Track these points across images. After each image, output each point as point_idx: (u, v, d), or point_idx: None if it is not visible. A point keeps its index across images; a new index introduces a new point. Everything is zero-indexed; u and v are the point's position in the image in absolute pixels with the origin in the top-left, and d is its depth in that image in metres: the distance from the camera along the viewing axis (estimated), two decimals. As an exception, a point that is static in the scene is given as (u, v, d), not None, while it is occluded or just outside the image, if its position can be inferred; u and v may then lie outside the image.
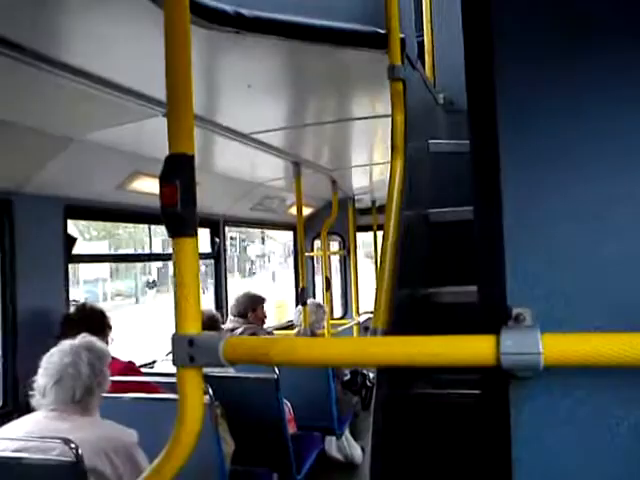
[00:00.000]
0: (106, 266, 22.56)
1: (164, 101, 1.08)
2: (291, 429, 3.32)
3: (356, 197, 6.07)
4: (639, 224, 0.96)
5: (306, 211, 5.52)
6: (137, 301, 25.09)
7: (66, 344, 2.11)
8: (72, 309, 3.07)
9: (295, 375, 3.38)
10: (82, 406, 2.03)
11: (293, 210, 5.15)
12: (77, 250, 3.37)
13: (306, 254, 5.46)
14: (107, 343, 2.81)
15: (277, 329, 5.81)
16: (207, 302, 4.93)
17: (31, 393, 2.09)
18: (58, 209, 3.15)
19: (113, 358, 2.45)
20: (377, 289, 1.67)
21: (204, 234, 4.96)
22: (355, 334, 5.87)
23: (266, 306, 4.47)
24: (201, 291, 1.10)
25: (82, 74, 2.01)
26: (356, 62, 2.23)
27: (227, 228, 5.17)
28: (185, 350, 1.03)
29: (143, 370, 3.32)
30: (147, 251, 22.72)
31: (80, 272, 20.46)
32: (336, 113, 3.15)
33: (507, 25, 1.02)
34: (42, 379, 2.04)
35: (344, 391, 4.58)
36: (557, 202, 0.99)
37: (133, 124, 2.64)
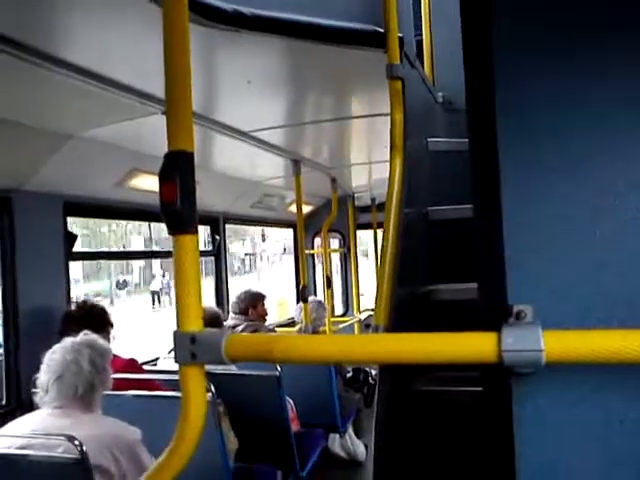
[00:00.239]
0: (79, 267, 22.16)
1: (163, 98, 1.08)
2: (294, 427, 3.31)
3: (356, 195, 6.07)
4: (638, 221, 0.96)
5: (306, 209, 5.52)
6: (112, 302, 24.41)
7: (68, 341, 2.12)
8: (73, 306, 3.07)
9: (297, 372, 3.37)
10: (84, 402, 2.04)
11: (293, 208, 5.15)
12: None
13: (306, 252, 5.46)
14: (108, 340, 2.82)
15: (278, 326, 5.82)
16: (207, 301, 4.92)
17: (34, 390, 2.10)
18: (57, 206, 3.14)
19: (115, 355, 2.46)
20: (378, 286, 1.68)
21: (201, 233, 4.95)
22: (356, 331, 5.87)
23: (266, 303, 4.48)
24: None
25: (81, 71, 2.01)
26: (355, 61, 2.23)
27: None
28: (187, 347, 1.03)
29: (145, 367, 3.32)
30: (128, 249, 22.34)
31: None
32: (335, 111, 3.15)
33: (506, 24, 1.03)
34: (44, 376, 2.05)
35: (346, 388, 4.57)
36: (556, 200, 1.00)
37: (132, 121, 2.63)
